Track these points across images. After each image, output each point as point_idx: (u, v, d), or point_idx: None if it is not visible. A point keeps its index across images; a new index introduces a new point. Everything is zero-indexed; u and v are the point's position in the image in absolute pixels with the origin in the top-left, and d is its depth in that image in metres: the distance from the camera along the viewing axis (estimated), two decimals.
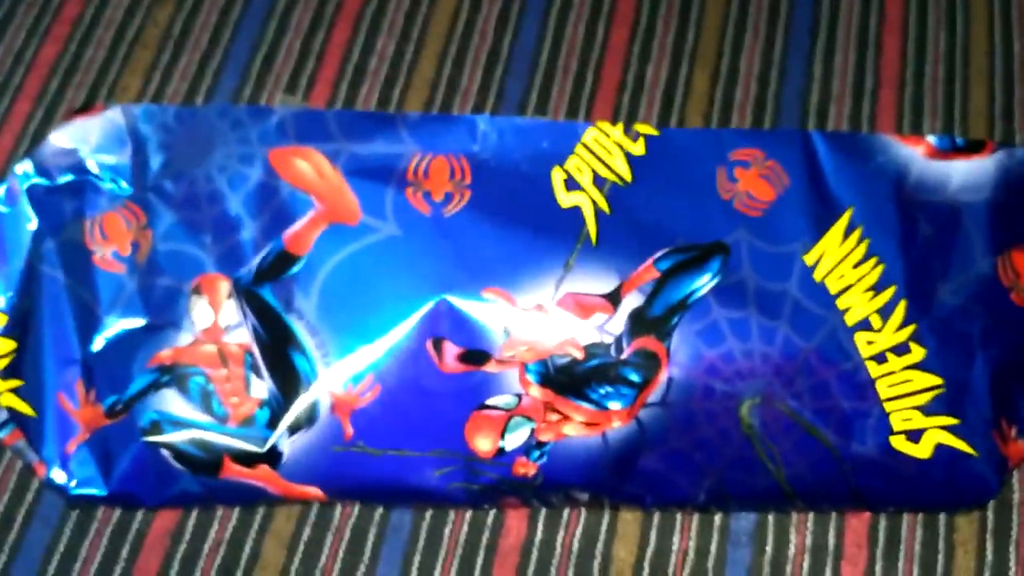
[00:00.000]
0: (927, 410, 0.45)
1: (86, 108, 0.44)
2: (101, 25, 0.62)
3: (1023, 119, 0.59)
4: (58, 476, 0.43)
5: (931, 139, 0.46)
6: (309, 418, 0.43)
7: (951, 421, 0.45)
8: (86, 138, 0.44)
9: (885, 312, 0.45)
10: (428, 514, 0.50)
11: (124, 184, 0.44)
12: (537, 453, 0.44)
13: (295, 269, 0.42)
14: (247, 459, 0.43)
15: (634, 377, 0.43)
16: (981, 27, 0.62)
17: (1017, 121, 0.59)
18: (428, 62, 0.61)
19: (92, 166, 0.44)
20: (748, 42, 0.62)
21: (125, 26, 0.62)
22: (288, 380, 0.42)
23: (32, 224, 0.43)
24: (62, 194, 0.44)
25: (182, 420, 0.43)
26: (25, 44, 0.61)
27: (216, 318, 0.43)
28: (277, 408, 0.43)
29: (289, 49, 0.61)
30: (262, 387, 0.43)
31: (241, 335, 0.43)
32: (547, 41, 0.62)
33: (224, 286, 0.43)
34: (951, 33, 0.62)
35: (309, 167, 0.43)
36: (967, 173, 0.46)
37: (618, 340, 0.43)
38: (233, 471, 0.43)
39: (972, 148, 0.46)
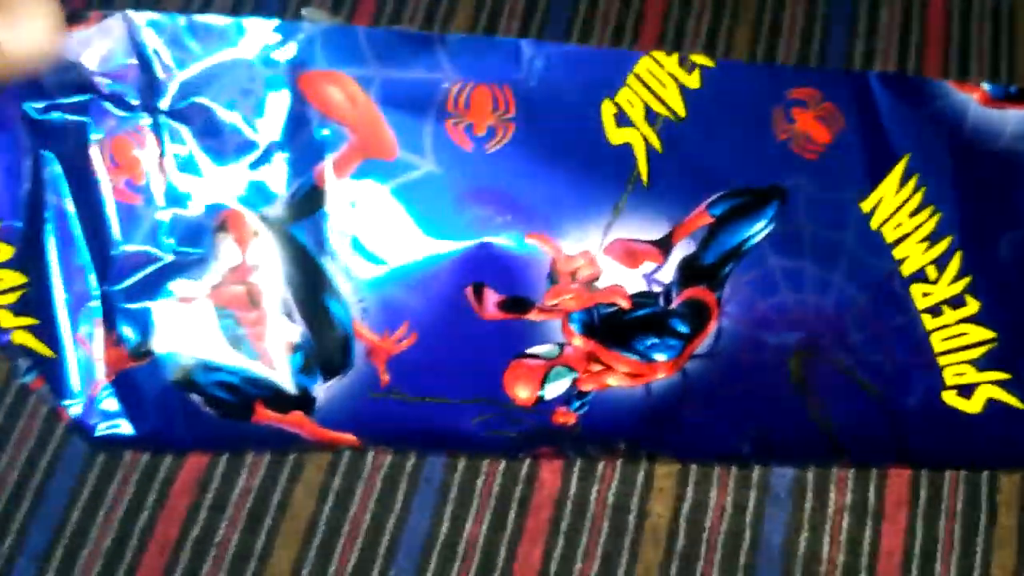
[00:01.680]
0: (980, 365, 0.41)
1: (80, 16, 0.37)
2: None
3: None
4: (82, 418, 0.40)
5: (986, 86, 0.42)
6: (344, 363, 0.39)
7: (1004, 376, 0.42)
8: (86, 51, 0.37)
9: (941, 263, 0.41)
10: (460, 466, 0.47)
11: (133, 104, 0.38)
12: (578, 403, 0.41)
13: (327, 207, 0.38)
14: (280, 404, 0.40)
15: (682, 328, 0.40)
16: None
17: None
18: (464, 11, 0.58)
19: (96, 83, 0.38)
20: None
21: None
22: (322, 325, 0.39)
23: (31, 148, 0.38)
24: (63, 115, 0.38)
25: (211, 363, 0.39)
26: None
27: (244, 257, 0.38)
28: (311, 353, 0.39)
29: None
30: (295, 331, 0.39)
31: (272, 275, 0.39)
32: None
33: (252, 223, 0.38)
34: None
35: (342, 95, 0.38)
36: (1021, 122, 0.43)
37: (667, 290, 0.40)
38: (265, 416, 0.40)
39: None
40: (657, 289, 0.40)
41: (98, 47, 0.38)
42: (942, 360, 0.41)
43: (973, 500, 0.47)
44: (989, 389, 0.42)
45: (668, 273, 0.39)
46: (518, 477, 0.47)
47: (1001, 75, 0.56)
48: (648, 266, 0.39)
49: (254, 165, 0.38)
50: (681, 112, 0.40)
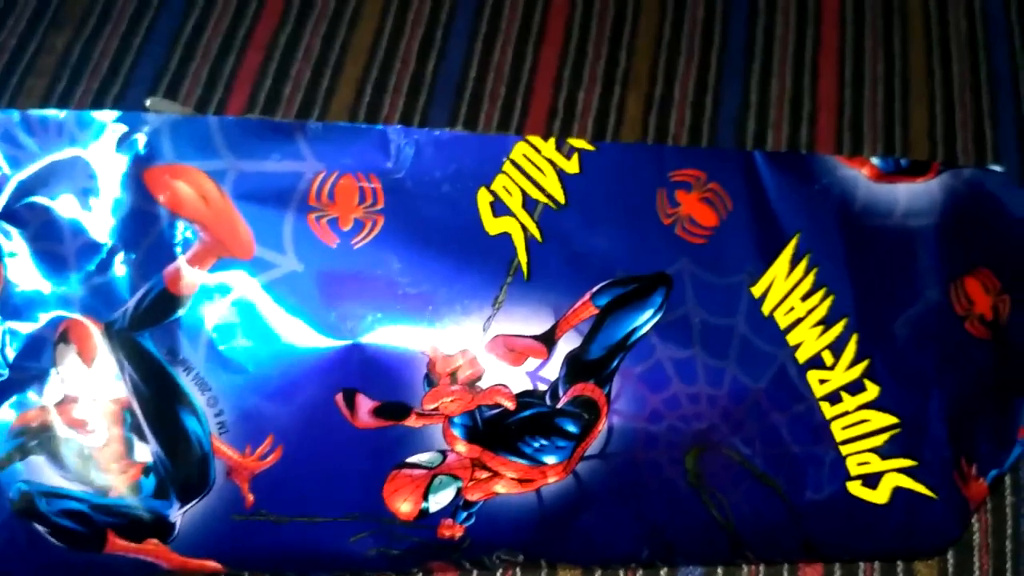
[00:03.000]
0: (884, 452, 0.39)
1: None
2: None
3: (965, 142, 0.55)
4: None
5: (875, 161, 0.41)
6: (201, 484, 0.36)
7: (909, 463, 0.40)
8: None
9: (837, 348, 0.39)
10: None
11: None
12: (464, 514, 0.38)
13: (179, 313, 0.35)
14: (134, 532, 0.36)
15: (571, 428, 0.37)
16: (919, 50, 0.58)
17: (959, 144, 0.55)
18: (347, 88, 0.55)
19: None
20: (682, 66, 0.57)
21: (18, 54, 0.55)
22: (176, 442, 0.35)
23: None
24: None
25: (56, 490, 0.35)
26: None
27: (88, 370, 0.35)
28: (164, 474, 0.35)
29: (196, 76, 0.55)
30: (146, 450, 0.35)
31: (119, 390, 0.35)
32: (473, 66, 0.56)
33: (95, 332, 0.35)
34: (888, 56, 0.58)
35: (191, 190, 0.35)
36: (913, 196, 0.41)
37: (554, 387, 0.37)
38: (118, 546, 0.36)
39: (917, 170, 0.41)
40: (543, 387, 0.37)
41: None
42: (844, 449, 0.39)
43: None
44: (895, 477, 0.39)
45: (554, 369, 0.37)
46: None
47: (895, 142, 0.55)
48: (532, 363, 0.37)
49: (97, 269, 0.35)
50: (561, 199, 0.38)
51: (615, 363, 0.37)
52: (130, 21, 0.56)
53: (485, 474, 0.37)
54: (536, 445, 0.37)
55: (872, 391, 0.39)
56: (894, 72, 0.57)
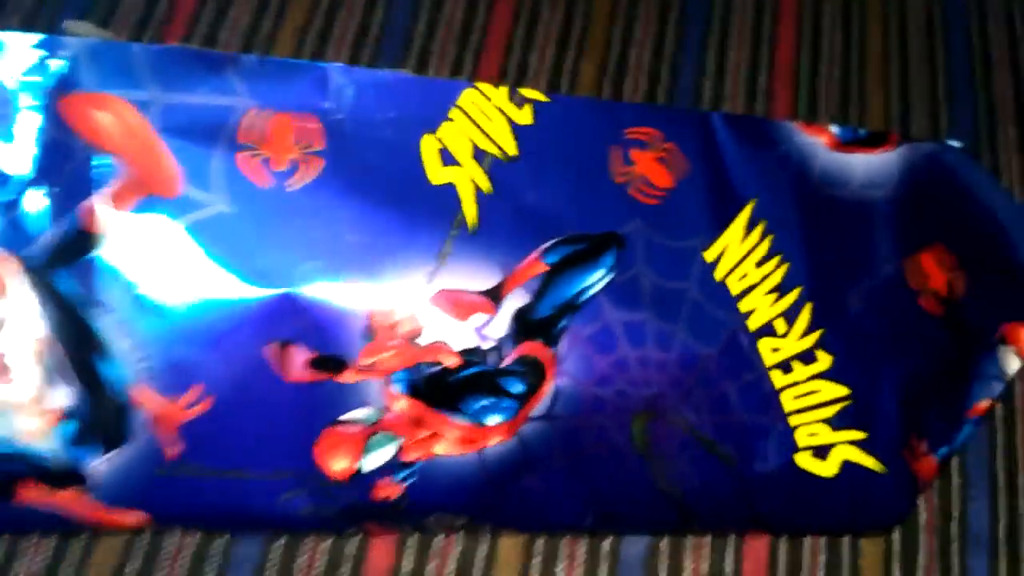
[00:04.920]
0: (834, 424, 0.39)
1: None
2: None
3: (920, 120, 0.55)
4: None
5: (834, 129, 0.40)
6: (121, 433, 0.34)
7: (859, 435, 0.39)
8: None
9: (790, 316, 0.38)
10: (280, 543, 0.42)
11: None
12: (403, 474, 0.36)
13: (95, 252, 0.32)
14: (49, 481, 0.34)
15: (516, 388, 0.36)
16: (876, 25, 0.58)
17: (914, 122, 0.55)
18: (288, 35, 0.53)
19: None
20: (639, 33, 0.56)
21: None
22: (95, 387, 0.33)
23: None
24: None
25: None
26: None
27: (2, 307, 0.33)
28: (83, 420, 0.33)
29: (126, 16, 0.52)
30: (64, 394, 0.33)
31: (33, 331, 0.33)
32: (422, 21, 0.55)
33: (7, 269, 0.32)
34: (846, 31, 0.57)
35: (113, 121, 0.32)
36: (871, 167, 0.41)
37: (499, 345, 0.36)
38: (31, 496, 0.34)
39: (875, 141, 0.41)
40: (488, 345, 0.35)
41: None
42: (794, 420, 0.39)
43: (835, 566, 0.44)
44: (845, 450, 0.39)
45: (500, 327, 0.36)
46: (343, 556, 0.42)
47: (850, 116, 0.55)
48: (478, 318, 0.35)
49: (8, 202, 0.33)
50: (511, 150, 0.36)
51: (563, 323, 0.36)
52: None
53: (425, 433, 0.36)
54: (479, 405, 0.36)
55: (824, 361, 0.39)
56: (851, 47, 0.57)
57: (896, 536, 0.44)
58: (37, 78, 0.32)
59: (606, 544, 0.43)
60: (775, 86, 0.55)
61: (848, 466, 0.39)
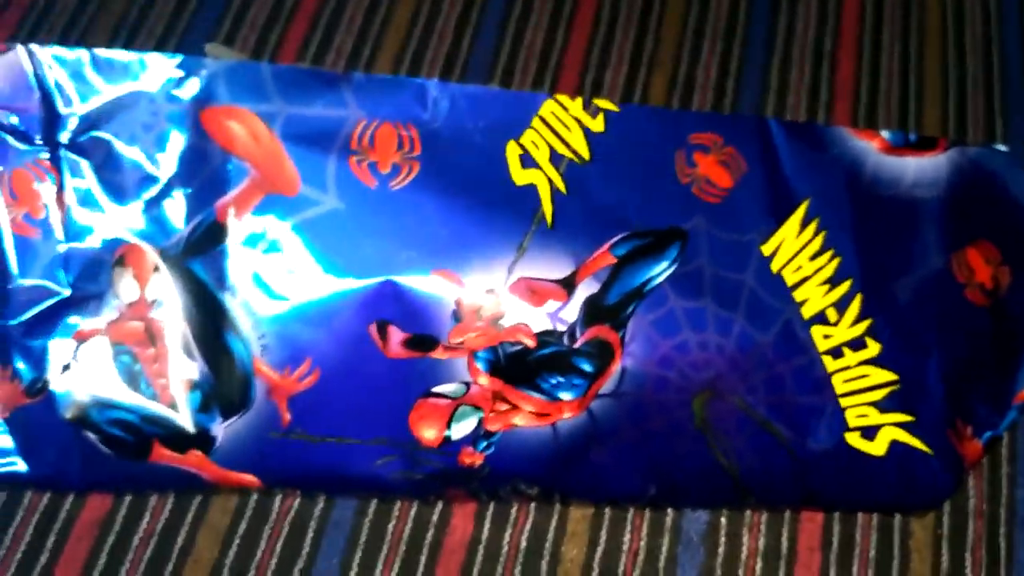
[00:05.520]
0: (882, 406, 0.42)
1: None
2: (55, 10, 0.59)
3: (976, 134, 0.57)
4: None
5: (885, 134, 0.44)
6: (243, 402, 0.38)
7: (906, 418, 0.42)
8: None
9: (841, 306, 0.42)
10: (371, 509, 0.46)
11: (34, 137, 0.38)
12: (484, 443, 0.40)
13: (227, 242, 0.37)
14: (178, 443, 0.39)
15: (587, 367, 0.40)
16: (935, 44, 0.60)
17: (970, 136, 0.57)
18: (386, 60, 0.58)
19: None
20: (705, 52, 0.60)
21: (79, 14, 0.58)
22: (221, 362, 0.38)
23: None
24: None
25: (108, 401, 0.38)
26: None
27: (143, 292, 0.38)
28: (209, 391, 0.38)
29: (245, 44, 0.58)
30: (193, 368, 0.38)
31: (170, 311, 0.38)
32: (506, 44, 0.59)
33: (151, 258, 0.38)
34: (905, 49, 0.60)
35: (243, 130, 0.38)
36: (921, 169, 0.44)
37: (571, 328, 0.40)
38: (163, 456, 0.39)
39: (925, 145, 0.44)
40: (561, 328, 0.39)
41: (1, 79, 0.37)
42: (844, 401, 0.41)
43: (886, 545, 0.46)
44: (892, 431, 0.42)
45: (572, 312, 0.39)
46: (429, 522, 0.46)
47: (909, 128, 0.57)
48: (552, 305, 0.39)
49: (154, 200, 0.38)
50: (585, 154, 0.40)
51: (630, 309, 0.40)
52: None
53: (505, 406, 0.40)
54: (553, 381, 0.40)
55: (873, 348, 0.42)
56: (909, 65, 0.60)
57: (945, 519, 0.47)
58: (181, 93, 0.38)
59: (668, 519, 0.46)
60: (835, 101, 0.58)
61: (896, 446, 0.42)
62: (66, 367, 0.38)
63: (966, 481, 0.47)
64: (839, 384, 0.41)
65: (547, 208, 0.40)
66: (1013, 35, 0.61)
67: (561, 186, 0.40)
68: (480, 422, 0.40)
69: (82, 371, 0.38)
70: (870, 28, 0.61)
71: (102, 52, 0.38)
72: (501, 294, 0.39)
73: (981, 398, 0.43)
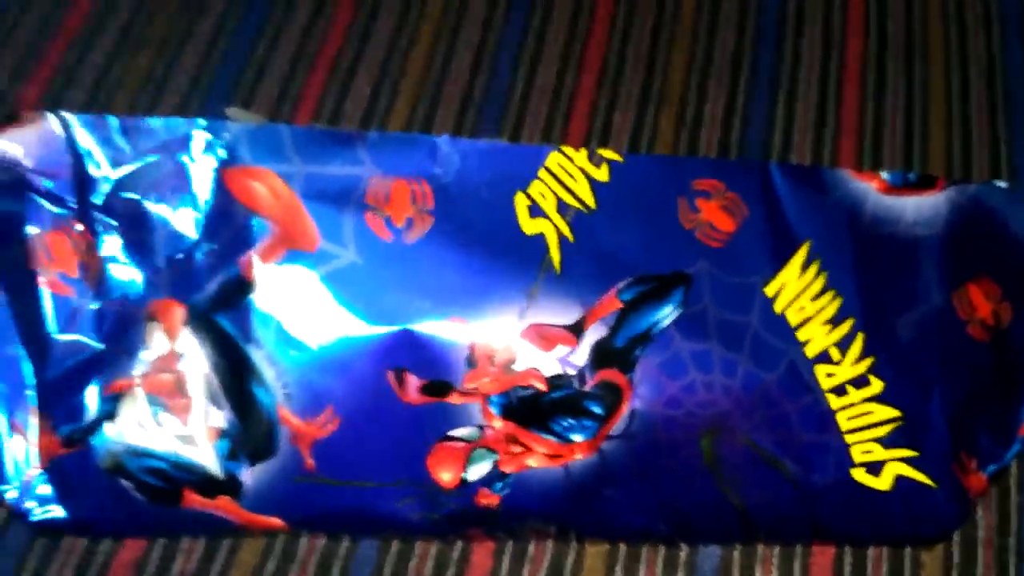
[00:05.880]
0: (887, 442, 0.43)
1: (15, 117, 0.40)
2: (85, 66, 0.61)
3: (981, 167, 0.58)
4: (18, 503, 0.41)
5: (884, 175, 0.45)
6: (269, 449, 0.40)
7: (910, 453, 0.43)
8: (22, 151, 0.40)
9: (843, 345, 0.43)
10: (393, 547, 0.47)
11: (68, 201, 0.40)
12: (500, 484, 0.42)
13: (252, 296, 0.39)
14: (207, 489, 0.41)
15: (597, 409, 0.41)
16: (939, 77, 0.61)
17: (975, 170, 0.58)
18: (403, 104, 0.60)
19: (32, 181, 0.40)
20: (712, 90, 0.61)
21: (106, 71, 0.61)
22: (247, 410, 0.40)
23: None
24: (0, 211, 0.40)
25: (141, 450, 0.40)
26: (7, 88, 0.60)
27: (172, 345, 0.40)
28: (236, 439, 0.40)
29: (268, 92, 0.60)
30: (221, 417, 0.40)
31: (198, 363, 0.40)
32: (518, 87, 0.61)
33: (179, 312, 0.40)
34: (909, 82, 0.61)
35: (265, 190, 0.40)
36: (920, 208, 0.45)
37: (581, 372, 0.41)
38: (194, 501, 0.41)
39: (924, 184, 0.45)
40: (571, 372, 0.41)
41: (34, 147, 0.40)
42: (849, 438, 0.43)
43: None
44: (897, 466, 0.43)
45: (581, 356, 0.41)
46: (450, 559, 0.47)
47: (913, 161, 0.58)
48: (562, 349, 0.41)
49: (182, 257, 0.40)
50: (591, 203, 0.42)
51: (637, 352, 0.41)
52: (207, 43, 0.62)
53: (518, 448, 0.41)
54: (565, 424, 0.41)
55: (876, 386, 0.43)
56: (914, 97, 0.61)
57: (955, 550, 0.48)
58: (206, 156, 0.40)
59: (682, 555, 0.48)
60: (841, 136, 0.59)
61: (901, 481, 0.43)
62: (101, 418, 0.40)
63: (975, 512, 0.48)
64: (843, 421, 0.43)
65: (555, 256, 0.41)
66: (1017, 65, 0.62)
67: (568, 234, 0.41)
68: (495, 464, 0.41)
69: (117, 422, 0.40)
70: (873, 63, 0.62)
71: (130, 119, 0.40)
72: (513, 340, 0.40)
73: (985, 431, 0.44)
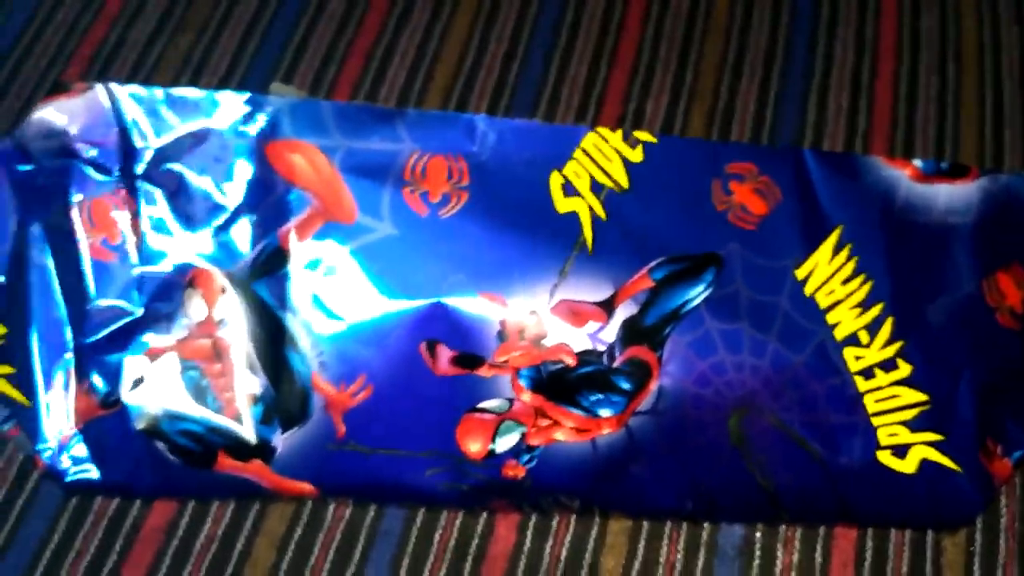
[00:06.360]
0: (913, 426, 0.43)
1: (65, 88, 0.41)
2: (125, 48, 0.62)
3: (1013, 163, 0.58)
4: (53, 463, 0.41)
5: (917, 162, 0.45)
6: (302, 415, 0.41)
7: (936, 437, 0.43)
8: (70, 119, 0.40)
9: (873, 328, 0.43)
10: (418, 518, 0.48)
11: (112, 169, 0.41)
12: (527, 457, 0.42)
13: (290, 267, 0.40)
14: (241, 453, 0.41)
15: (625, 385, 0.41)
16: (971, 68, 0.61)
17: (1007, 165, 0.58)
18: (437, 93, 0.61)
19: (78, 149, 0.40)
20: (744, 83, 0.61)
21: (147, 52, 0.62)
22: (282, 377, 0.40)
23: (16, 209, 0.41)
24: (47, 178, 0.41)
25: (177, 414, 0.41)
26: (48, 67, 0.61)
27: (210, 312, 0.40)
28: (271, 404, 0.41)
29: (303, 79, 0.61)
30: (256, 383, 0.41)
31: (236, 330, 0.40)
32: (551, 76, 0.61)
33: (218, 280, 0.41)
34: (942, 76, 0.61)
35: (305, 163, 0.40)
36: (952, 196, 0.45)
37: (611, 348, 0.41)
38: (227, 464, 0.42)
39: (956, 172, 0.45)
40: (601, 348, 0.41)
41: (81, 116, 0.41)
42: (876, 420, 0.43)
43: (918, 563, 0.47)
44: (923, 450, 0.43)
45: (611, 333, 0.41)
46: (474, 531, 0.48)
47: (945, 155, 0.58)
48: (592, 326, 0.41)
49: (222, 227, 0.41)
50: (624, 184, 0.42)
51: (667, 330, 0.42)
52: (246, 28, 0.63)
53: (546, 422, 0.42)
54: (593, 399, 0.41)
55: (904, 369, 0.43)
56: (947, 92, 0.61)
57: (977, 536, 0.48)
58: (248, 128, 0.40)
59: (704, 533, 0.48)
60: (873, 132, 0.59)
61: (926, 464, 0.43)
62: (138, 382, 0.41)
63: (998, 499, 0.48)
64: (871, 404, 0.43)
65: (588, 234, 0.42)
66: None
67: (601, 213, 0.42)
68: (523, 437, 0.42)
69: (153, 385, 0.41)
70: (907, 57, 0.62)
71: (175, 90, 0.41)
72: (543, 315, 0.41)
73: (1011, 418, 0.44)
